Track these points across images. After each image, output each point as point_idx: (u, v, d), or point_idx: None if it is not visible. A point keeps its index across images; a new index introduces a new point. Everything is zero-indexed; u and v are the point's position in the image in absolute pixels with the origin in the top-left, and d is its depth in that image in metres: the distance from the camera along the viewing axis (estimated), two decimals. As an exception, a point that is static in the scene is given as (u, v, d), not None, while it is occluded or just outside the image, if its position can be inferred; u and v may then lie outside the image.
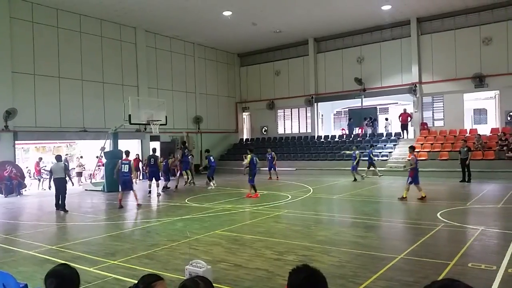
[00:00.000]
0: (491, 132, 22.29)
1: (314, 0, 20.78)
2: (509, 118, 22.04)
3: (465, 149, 18.39)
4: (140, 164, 23.94)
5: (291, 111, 30.64)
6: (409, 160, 13.75)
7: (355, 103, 28.35)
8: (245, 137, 32.76)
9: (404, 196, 13.15)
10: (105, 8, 21.04)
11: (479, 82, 22.41)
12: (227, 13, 22.18)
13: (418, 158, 21.00)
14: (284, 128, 31.09)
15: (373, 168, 21.36)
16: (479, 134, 21.65)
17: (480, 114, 27.50)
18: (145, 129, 22.50)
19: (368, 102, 28.00)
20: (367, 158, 21.35)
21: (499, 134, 21.21)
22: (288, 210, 11.98)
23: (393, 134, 25.66)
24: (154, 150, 18.03)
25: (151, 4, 20.54)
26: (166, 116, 19.85)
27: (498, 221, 10.10)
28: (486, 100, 26.22)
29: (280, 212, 11.60)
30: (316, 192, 15.81)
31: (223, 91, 31.29)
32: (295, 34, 27.24)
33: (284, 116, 31.17)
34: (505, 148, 19.90)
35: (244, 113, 32.92)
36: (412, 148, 14.45)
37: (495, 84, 22.40)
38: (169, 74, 26.97)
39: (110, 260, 7.00)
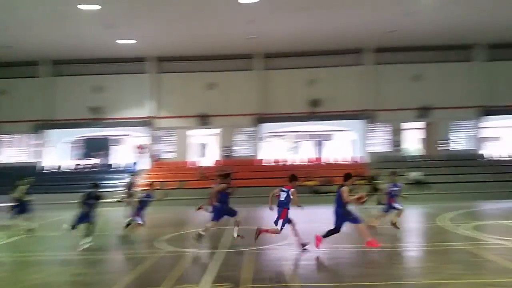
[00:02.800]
0: (215, 164, 25.84)
1: (50, 21, 19.51)
2: (223, 153, 26.53)
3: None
4: None
5: (16, 138, 26.99)
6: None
7: (91, 132, 27.53)
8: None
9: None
10: None
11: (204, 120, 26.00)
12: None
13: (151, 188, 22.12)
14: (7, 157, 26.94)
15: None
16: (201, 166, 24.87)
17: (204, 148, 31.65)
18: None
19: (106, 132, 27.67)
20: None
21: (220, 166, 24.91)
22: (-3, 254, 10.35)
23: (125, 165, 26.10)
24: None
25: None
26: None
27: (207, 242, 11.63)
28: (213, 135, 30.36)
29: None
30: (37, 230, 14.21)
31: None
32: (26, 52, 24.49)
33: (6, 143, 27.05)
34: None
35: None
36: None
37: (217, 123, 26.44)
38: None
39: None
